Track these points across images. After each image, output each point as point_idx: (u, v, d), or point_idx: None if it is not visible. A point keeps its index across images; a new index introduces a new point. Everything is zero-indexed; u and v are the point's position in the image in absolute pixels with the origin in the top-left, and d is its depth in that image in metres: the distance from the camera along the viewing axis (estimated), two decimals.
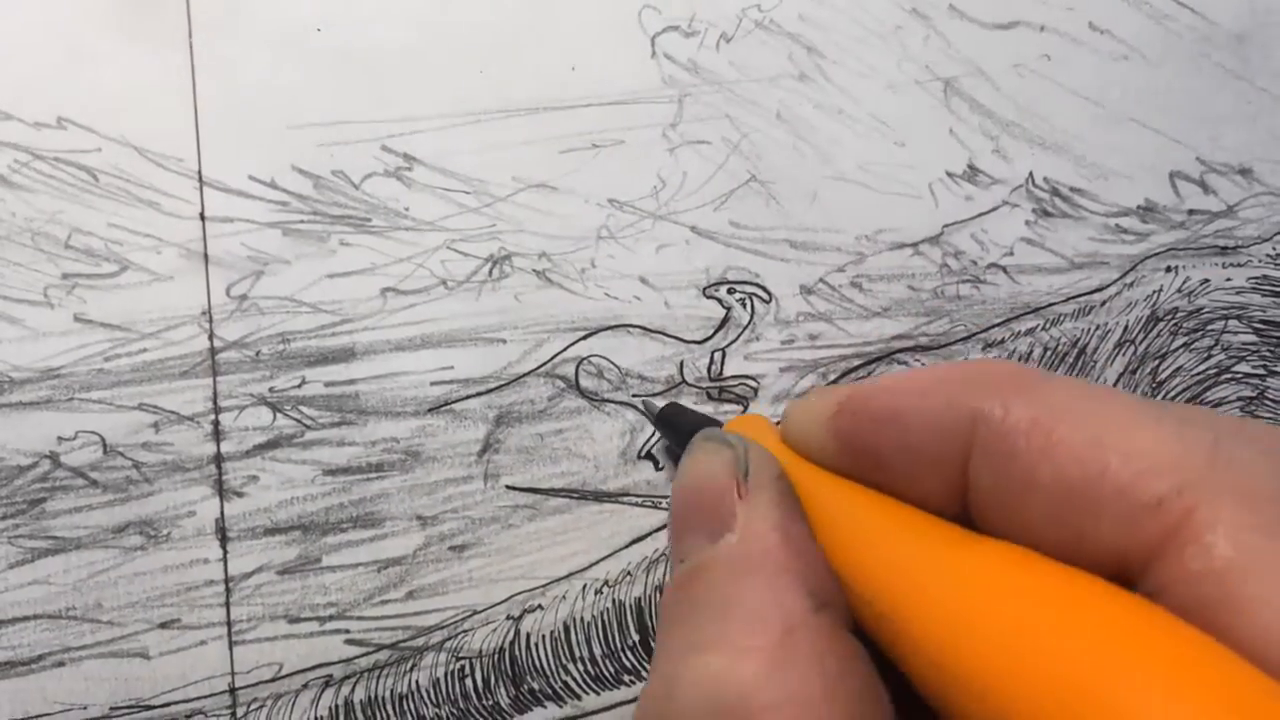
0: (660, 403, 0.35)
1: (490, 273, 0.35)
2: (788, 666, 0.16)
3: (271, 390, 0.33)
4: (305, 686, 0.33)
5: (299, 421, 0.33)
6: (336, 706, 0.33)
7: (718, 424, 0.32)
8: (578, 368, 0.36)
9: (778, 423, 0.21)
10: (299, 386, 0.33)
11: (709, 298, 0.37)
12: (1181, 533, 0.14)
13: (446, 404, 0.34)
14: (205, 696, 0.32)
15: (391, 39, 0.35)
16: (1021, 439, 0.16)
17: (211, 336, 0.33)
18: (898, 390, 0.18)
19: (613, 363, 0.36)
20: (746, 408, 0.37)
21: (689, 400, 0.36)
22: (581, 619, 0.35)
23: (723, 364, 0.37)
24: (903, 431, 0.18)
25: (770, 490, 0.19)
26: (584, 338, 0.36)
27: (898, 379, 0.18)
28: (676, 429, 0.34)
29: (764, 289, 0.37)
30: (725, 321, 0.37)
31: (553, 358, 0.35)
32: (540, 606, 0.35)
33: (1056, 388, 0.16)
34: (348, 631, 0.33)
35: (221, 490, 0.32)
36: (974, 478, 0.16)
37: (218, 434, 0.33)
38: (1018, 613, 0.14)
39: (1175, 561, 0.14)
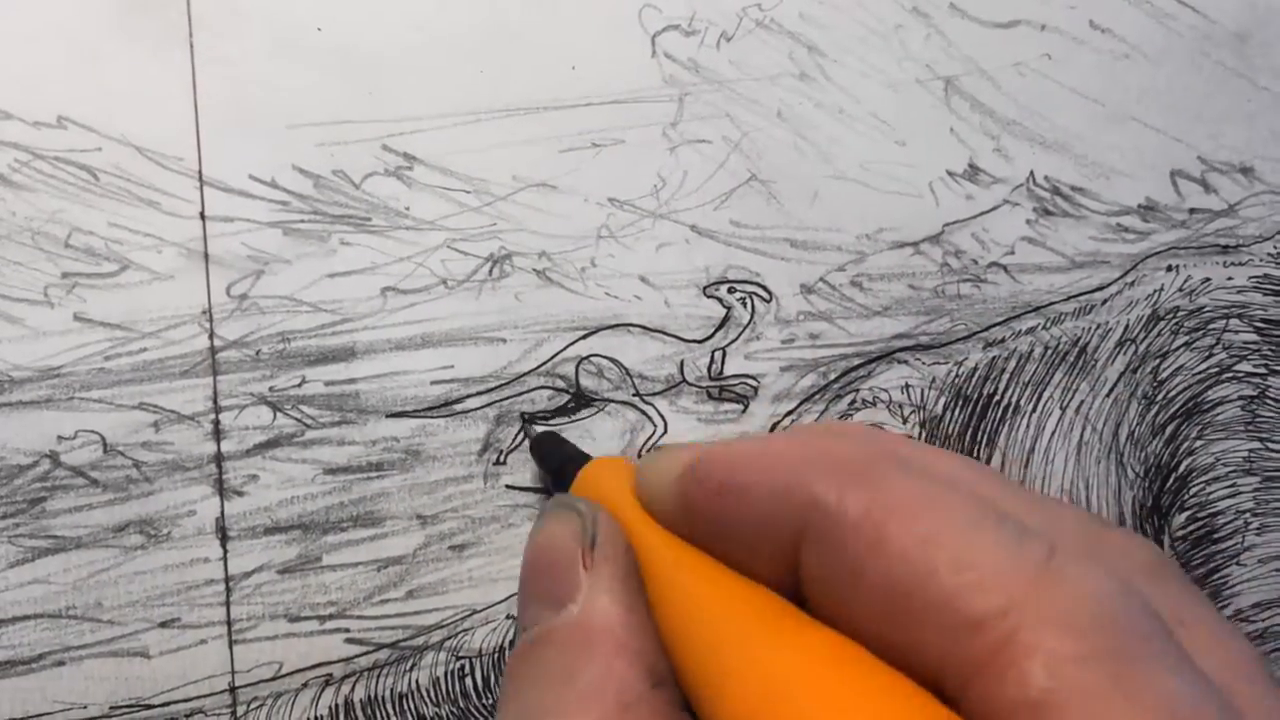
0: (539, 429, 0.35)
1: (490, 272, 0.35)
2: None
3: (272, 389, 0.33)
4: (305, 685, 0.33)
5: (299, 421, 0.33)
6: (337, 706, 0.33)
7: (588, 459, 0.31)
8: (578, 367, 0.36)
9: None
10: (299, 386, 0.33)
11: (709, 297, 0.37)
12: (1002, 656, 0.13)
13: (447, 403, 0.34)
14: (205, 695, 0.32)
15: (392, 38, 0.35)
16: (851, 531, 0.15)
17: (212, 336, 0.33)
18: (741, 462, 0.17)
19: (614, 361, 0.36)
20: (747, 407, 0.37)
21: (690, 399, 0.36)
22: None
23: (723, 363, 0.37)
24: (741, 506, 0.17)
25: (615, 564, 0.18)
26: (584, 337, 0.36)
27: (746, 448, 0.18)
28: (547, 460, 0.33)
29: (764, 288, 0.37)
30: (726, 321, 0.37)
31: (553, 357, 0.35)
32: None
33: (898, 477, 0.16)
34: (348, 631, 0.33)
35: (222, 489, 0.32)
36: (804, 563, 0.16)
37: (218, 433, 0.33)
38: (825, 715, 0.14)
39: (995, 685, 0.13)
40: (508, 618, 0.34)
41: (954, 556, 0.14)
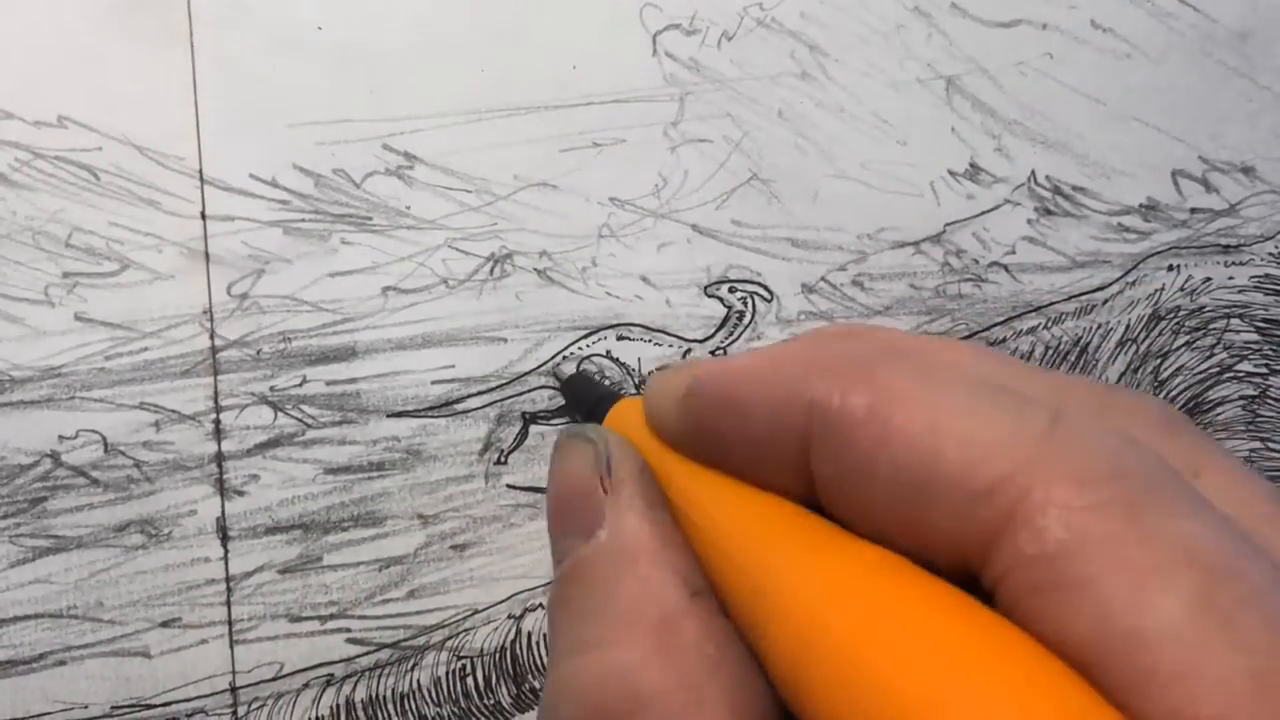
0: (570, 369, 0.35)
1: (491, 271, 0.35)
2: (667, 654, 0.16)
3: (272, 389, 0.33)
4: (306, 686, 0.33)
5: (300, 420, 0.33)
6: (338, 706, 0.33)
7: (618, 397, 0.31)
8: (579, 366, 0.36)
9: None
10: (300, 385, 0.33)
11: (710, 296, 0.37)
12: (1015, 518, 0.13)
13: (448, 403, 0.34)
14: (206, 695, 0.32)
15: (393, 37, 0.35)
16: (858, 429, 0.15)
17: (212, 335, 0.33)
18: (738, 375, 0.17)
19: (615, 361, 0.36)
20: None
21: None
22: None
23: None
24: (744, 419, 0.17)
25: (633, 483, 0.18)
26: (585, 336, 0.36)
27: (742, 361, 0.18)
28: (580, 401, 0.33)
29: (765, 288, 0.37)
30: (727, 320, 0.37)
31: (554, 356, 0.35)
32: (542, 605, 0.34)
33: (897, 371, 0.16)
34: (349, 630, 0.33)
35: (222, 489, 0.32)
36: (815, 467, 0.16)
37: (219, 433, 0.32)
38: (860, 622, 0.14)
39: (1011, 547, 0.13)
40: (509, 617, 0.34)
41: (958, 435, 0.14)
